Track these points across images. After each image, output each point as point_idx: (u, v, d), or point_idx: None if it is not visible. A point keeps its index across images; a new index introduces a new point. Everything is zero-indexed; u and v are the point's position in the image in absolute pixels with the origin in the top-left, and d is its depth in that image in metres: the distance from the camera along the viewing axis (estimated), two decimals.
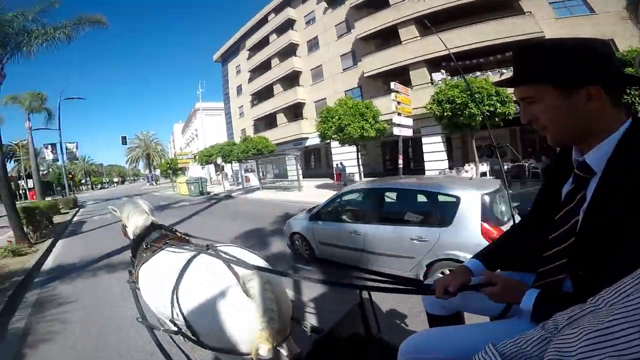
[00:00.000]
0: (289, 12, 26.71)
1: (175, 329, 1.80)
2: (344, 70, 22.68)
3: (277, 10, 28.39)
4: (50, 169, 55.89)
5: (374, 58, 19.07)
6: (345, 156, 20.81)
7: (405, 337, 1.17)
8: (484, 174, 9.47)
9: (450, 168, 15.14)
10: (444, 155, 16.59)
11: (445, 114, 9.86)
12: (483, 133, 10.71)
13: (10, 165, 53.21)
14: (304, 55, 26.21)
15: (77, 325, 3.77)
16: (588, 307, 0.56)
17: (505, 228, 3.48)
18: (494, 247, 1.35)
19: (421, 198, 4.20)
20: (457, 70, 12.23)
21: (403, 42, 17.84)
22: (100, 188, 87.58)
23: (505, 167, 12.33)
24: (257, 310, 1.45)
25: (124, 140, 26.41)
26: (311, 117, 25.06)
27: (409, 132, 10.64)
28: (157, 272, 1.98)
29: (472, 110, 9.23)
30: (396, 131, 9.95)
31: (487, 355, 0.70)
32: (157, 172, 48.68)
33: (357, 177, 20.07)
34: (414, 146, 20.26)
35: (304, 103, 25.91)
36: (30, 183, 42.49)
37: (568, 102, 0.88)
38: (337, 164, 20.05)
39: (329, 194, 12.91)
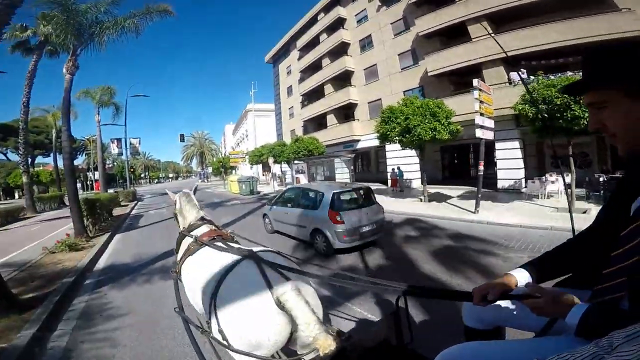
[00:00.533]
0: (339, 11, 25.92)
1: (207, 329, 1.82)
2: (402, 69, 21.28)
3: (327, 9, 27.74)
4: (115, 163, 60.65)
5: (439, 56, 17.59)
6: (400, 161, 19.72)
7: (439, 350, 1.15)
8: (569, 186, 7.86)
9: (527, 178, 13.21)
10: (521, 163, 14.82)
11: (539, 115, 8.34)
12: (561, 140, 9.13)
13: (81, 159, 58.47)
14: (356, 54, 25.24)
15: (128, 350, 3.19)
16: None
17: (347, 214, 6.15)
18: (547, 258, 1.27)
19: (312, 194, 7.07)
20: (537, 69, 10.86)
21: (474, 40, 16.12)
22: (157, 182, 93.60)
23: (601, 178, 10.60)
24: (301, 321, 1.51)
25: (182, 138, 27.34)
26: (363, 119, 24.20)
27: (490, 135, 9.33)
28: (200, 271, 2.00)
29: (576, 112, 7.67)
30: (479, 133, 8.72)
31: None
32: (210, 169, 50.52)
33: (415, 184, 19.13)
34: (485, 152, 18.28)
35: (356, 104, 24.90)
36: (97, 175, 46.39)
37: None
38: (393, 169, 18.94)
39: (383, 200, 12.12)
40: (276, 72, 39.69)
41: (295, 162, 23.71)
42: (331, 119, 27.11)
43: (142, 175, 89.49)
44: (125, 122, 24.55)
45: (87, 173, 48.29)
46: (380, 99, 22.61)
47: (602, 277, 0.99)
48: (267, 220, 8.69)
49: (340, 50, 26.09)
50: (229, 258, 1.93)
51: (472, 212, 9.47)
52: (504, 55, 14.02)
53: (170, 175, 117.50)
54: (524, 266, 1.24)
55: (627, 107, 0.85)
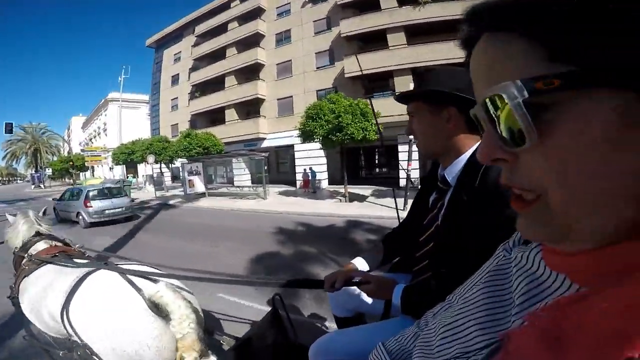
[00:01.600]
0: (260, 1, 23.02)
1: (65, 348, 1.58)
2: (317, 68, 19.96)
3: None
4: None
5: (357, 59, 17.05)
6: (308, 161, 18.47)
7: None
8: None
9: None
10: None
11: None
12: None
13: None
14: (269, 47, 22.57)
15: None
16: (446, 303, 0.62)
17: (95, 202, 10.12)
18: (379, 245, 1.42)
19: (76, 191, 11.28)
20: None
21: (391, 48, 16.73)
22: None
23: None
24: (175, 316, 1.39)
25: (9, 128, 18.46)
26: (271, 116, 21.54)
27: None
28: (42, 288, 1.72)
29: None
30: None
31: (378, 353, 0.73)
32: (49, 171, 38.19)
33: (323, 184, 18.45)
34: (389, 154, 18.71)
35: (264, 99, 21.95)
36: None
37: (434, 120, 1.03)
38: (305, 169, 17.48)
39: (299, 202, 13.19)
40: (159, 58, 32.74)
41: (180, 161, 18.78)
42: (231, 114, 23.18)
43: None
44: None
45: None
46: (292, 97, 20.80)
47: (415, 260, 1.19)
48: (56, 211, 11.54)
49: (251, 41, 23.09)
50: (80, 271, 1.65)
51: (402, 210, 8.12)
52: (413, 65, 14.61)
53: None
54: (362, 255, 1.39)
55: (426, 118, 1.05)
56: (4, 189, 59.66)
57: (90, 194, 10.29)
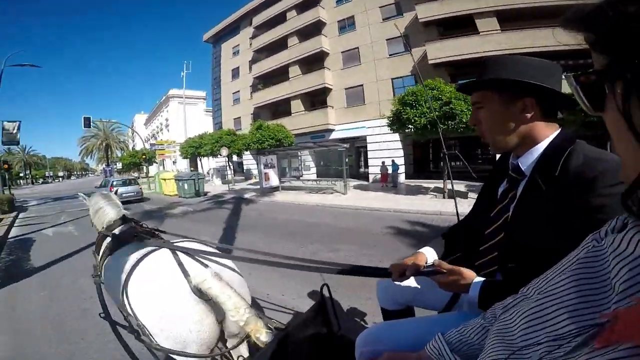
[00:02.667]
0: None
1: (128, 325, 1.67)
2: (390, 55, 18.57)
3: None
4: None
5: (442, 45, 16.04)
6: (383, 154, 17.52)
7: None
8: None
9: None
10: None
11: None
12: None
13: None
14: (332, 35, 21.61)
15: None
16: (520, 296, 0.62)
17: (118, 188, 14.56)
18: (444, 238, 1.38)
19: (104, 182, 19.59)
20: None
21: (482, 33, 15.43)
22: (42, 183, 75.11)
23: None
24: (229, 307, 1.39)
25: (87, 122, 19.42)
26: (339, 106, 20.47)
27: None
28: (116, 268, 1.78)
29: None
30: None
31: (437, 343, 0.75)
32: (119, 165, 40.60)
33: (401, 178, 16.98)
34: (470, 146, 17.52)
35: (331, 89, 20.96)
36: None
37: (507, 110, 0.98)
38: (383, 162, 16.33)
39: (387, 198, 11.94)
40: (217, 53, 33.18)
41: (249, 154, 18.38)
42: (297, 105, 22.55)
43: (22, 175, 70.54)
44: None
45: None
46: (361, 85, 19.57)
47: (479, 254, 1.12)
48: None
49: (313, 30, 22.31)
50: (145, 250, 1.74)
51: None
52: (509, 51, 12.82)
53: (60, 173, 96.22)
54: (430, 244, 1.33)
55: (497, 108, 0.99)
56: (80, 181, 65.94)
57: (115, 182, 16.49)
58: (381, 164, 16.17)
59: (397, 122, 11.32)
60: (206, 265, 1.57)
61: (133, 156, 39.08)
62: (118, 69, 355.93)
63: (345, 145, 13.92)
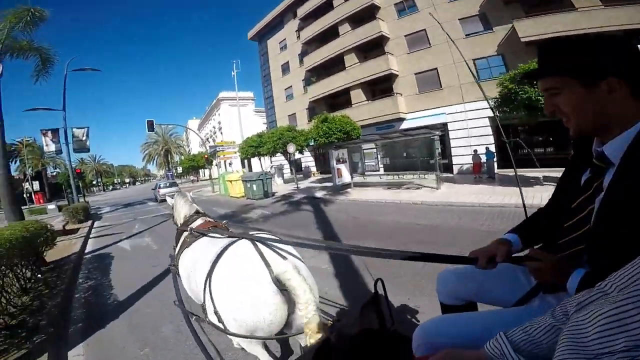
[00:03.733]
0: None
1: (203, 315, 1.78)
2: (467, 35, 16.21)
3: None
4: (58, 170, 48.81)
5: (535, 22, 13.82)
6: (468, 141, 15.55)
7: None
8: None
9: None
10: None
11: None
12: None
13: (14, 166, 46.52)
14: (390, 19, 19.55)
15: None
16: (596, 292, 0.58)
17: (161, 189, 19.17)
18: (525, 226, 1.27)
19: (154, 186, 25.96)
20: None
21: (580, 10, 13.27)
22: (112, 189, 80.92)
23: None
24: (301, 300, 1.44)
25: (151, 126, 19.34)
26: (408, 93, 18.34)
27: None
28: (196, 257, 1.93)
29: None
30: None
31: (498, 342, 0.70)
32: (179, 169, 41.84)
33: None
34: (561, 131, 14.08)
35: (396, 75, 18.91)
36: (37, 185, 35.93)
37: (590, 94, 0.89)
38: (475, 150, 14.14)
39: (485, 191, 10.19)
40: (263, 50, 32.36)
41: (307, 146, 16.93)
42: (357, 96, 20.76)
43: (94, 182, 76.50)
44: (64, 105, 16.24)
45: (23, 184, 37.45)
46: (435, 69, 17.34)
47: (558, 248, 1.04)
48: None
49: (366, 15, 20.39)
50: (224, 241, 1.84)
51: None
52: (615, 28, 11.81)
53: (127, 180, 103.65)
54: (513, 230, 1.25)
55: (578, 92, 0.90)
56: (144, 186, 69.98)
57: (162, 185, 21.00)
58: (473, 153, 14.01)
59: (509, 103, 9.17)
60: (285, 258, 1.60)
61: (191, 160, 40.01)
62: (168, 76, 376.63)
63: (437, 132, 11.90)
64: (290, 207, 11.64)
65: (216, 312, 1.58)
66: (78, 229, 11.19)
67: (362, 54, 21.17)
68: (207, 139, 54.37)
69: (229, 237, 1.90)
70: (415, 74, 18.16)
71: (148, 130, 19.82)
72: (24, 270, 4.88)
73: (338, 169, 13.86)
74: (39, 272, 5.60)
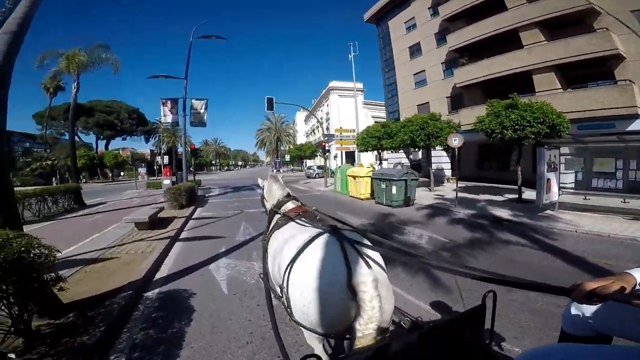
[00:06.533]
0: None
1: (279, 294, 1.75)
2: None
3: None
4: (187, 147, 52.94)
5: None
6: None
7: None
8: None
9: None
10: None
11: None
12: None
13: (152, 141, 51.71)
14: None
15: None
16: None
17: None
18: None
19: None
20: None
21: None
22: (227, 170, 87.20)
23: None
24: (365, 315, 1.33)
25: (270, 104, 16.45)
26: None
27: None
28: (284, 242, 1.86)
29: None
30: None
31: None
32: (287, 157, 40.37)
33: None
34: None
35: (623, 57, 12.14)
36: (167, 159, 38.26)
37: None
38: None
39: None
40: (383, 32, 27.39)
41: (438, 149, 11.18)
42: (545, 82, 14.30)
43: (213, 162, 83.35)
44: (186, 74, 14.15)
45: (157, 157, 40.58)
46: None
47: None
48: None
49: None
50: (313, 231, 1.75)
51: None
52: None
53: (240, 163, 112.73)
54: None
55: None
56: (253, 170, 72.75)
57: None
58: None
59: None
60: (370, 266, 1.45)
61: (299, 149, 37.76)
62: (280, 67, 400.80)
63: None
64: (468, 232, 6.58)
65: (287, 298, 1.57)
66: (172, 219, 8.12)
67: (548, 31, 14.50)
68: (312, 130, 52.16)
69: (318, 227, 1.81)
70: None
71: (267, 109, 16.90)
72: None
73: (548, 179, 8.07)
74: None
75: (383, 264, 1.58)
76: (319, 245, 1.59)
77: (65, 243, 6.01)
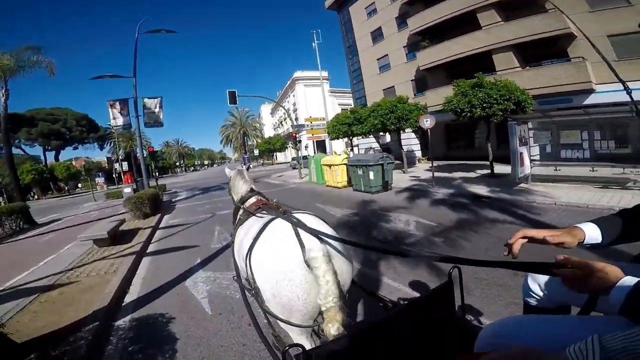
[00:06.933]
0: None
1: (250, 287, 1.72)
2: None
3: None
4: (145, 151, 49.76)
5: None
6: None
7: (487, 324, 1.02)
8: None
9: None
10: None
11: None
12: None
13: (107, 148, 48.27)
14: None
15: None
16: None
17: None
18: (619, 217, 1.04)
19: None
20: None
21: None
22: (193, 170, 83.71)
23: None
24: (322, 290, 1.35)
25: (233, 97, 15.50)
26: (598, 59, 11.85)
27: None
28: (244, 234, 1.88)
29: None
30: None
31: (586, 346, 0.58)
32: (255, 152, 39.18)
33: None
34: None
35: (574, 37, 12.64)
36: (126, 166, 35.66)
37: None
38: None
39: None
40: (344, 19, 27.05)
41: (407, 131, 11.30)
42: (505, 61, 14.69)
43: (177, 164, 79.46)
44: (134, 71, 12.83)
45: (115, 165, 37.69)
46: None
47: None
48: None
49: None
50: (266, 218, 1.77)
51: None
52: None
53: (206, 162, 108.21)
54: (594, 220, 1.03)
55: None
56: (220, 168, 69.94)
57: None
58: None
59: None
60: (321, 241, 1.48)
61: (267, 142, 36.85)
62: (241, 60, 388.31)
63: None
64: (453, 213, 6.51)
65: (256, 288, 1.55)
66: (137, 231, 7.35)
67: (505, 12, 14.86)
68: (280, 122, 51.10)
69: (271, 214, 1.81)
70: (609, 36, 11.79)
71: (229, 103, 15.96)
72: None
73: (521, 153, 8.20)
74: None
75: (336, 237, 1.56)
76: (272, 230, 1.61)
77: (15, 269, 5.38)
